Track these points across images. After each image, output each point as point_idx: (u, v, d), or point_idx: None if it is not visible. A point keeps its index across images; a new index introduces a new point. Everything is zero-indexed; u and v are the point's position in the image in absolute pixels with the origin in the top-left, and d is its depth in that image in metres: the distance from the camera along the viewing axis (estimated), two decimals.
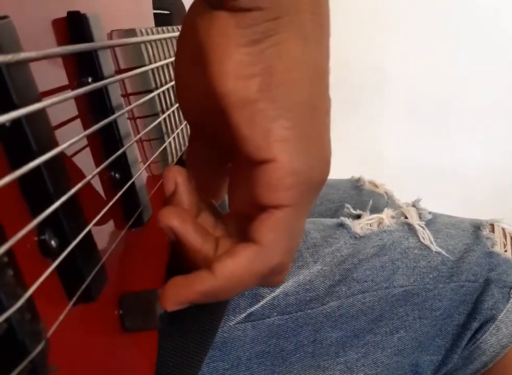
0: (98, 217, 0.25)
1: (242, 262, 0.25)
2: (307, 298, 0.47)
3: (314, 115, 0.25)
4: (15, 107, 0.19)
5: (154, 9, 0.50)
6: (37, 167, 0.20)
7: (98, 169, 0.25)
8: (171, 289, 0.26)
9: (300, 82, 0.24)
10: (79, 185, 0.23)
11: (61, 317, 0.21)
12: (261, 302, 0.46)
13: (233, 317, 0.45)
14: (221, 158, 0.32)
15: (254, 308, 0.45)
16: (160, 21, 0.54)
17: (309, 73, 0.25)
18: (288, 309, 0.47)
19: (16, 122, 0.19)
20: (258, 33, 0.23)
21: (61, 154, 0.22)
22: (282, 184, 0.24)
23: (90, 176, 0.24)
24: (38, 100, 0.20)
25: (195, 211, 0.29)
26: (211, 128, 0.29)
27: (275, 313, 0.46)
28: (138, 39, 0.35)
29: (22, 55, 0.19)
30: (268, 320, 0.46)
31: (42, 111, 0.21)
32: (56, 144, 0.21)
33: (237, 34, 0.23)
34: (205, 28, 0.24)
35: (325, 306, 0.48)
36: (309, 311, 0.47)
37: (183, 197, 0.28)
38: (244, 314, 0.45)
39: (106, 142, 0.30)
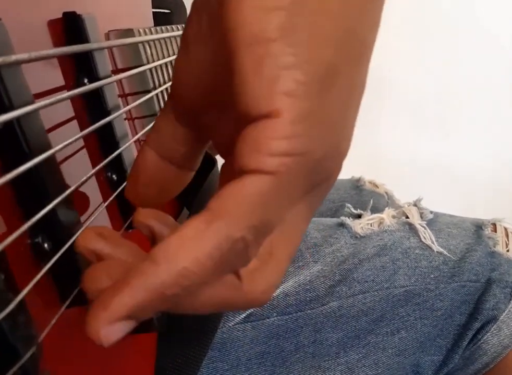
0: (92, 219, 0.25)
1: (188, 234, 0.17)
2: (308, 298, 0.47)
3: (336, 84, 0.20)
4: (6, 110, 0.19)
5: (153, 8, 0.50)
6: (30, 170, 0.20)
7: (93, 171, 0.25)
8: (97, 304, 0.17)
9: (328, 38, 0.19)
10: (72, 188, 0.22)
11: (54, 320, 0.21)
12: None
13: (232, 318, 0.45)
14: (194, 150, 0.26)
15: (253, 308, 0.45)
16: (160, 20, 0.54)
17: (343, 35, 0.20)
18: (288, 310, 0.47)
19: (8, 124, 0.19)
20: None
21: (55, 156, 0.22)
22: (270, 145, 0.18)
23: (84, 178, 0.24)
24: (30, 102, 0.20)
25: None
26: (203, 111, 0.24)
27: (274, 313, 0.46)
28: (134, 39, 0.35)
29: (13, 58, 0.19)
30: (268, 320, 0.46)
31: (34, 114, 0.21)
32: (49, 146, 0.21)
33: None
34: None
35: (325, 306, 0.48)
36: (309, 311, 0.47)
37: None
38: (244, 315, 0.45)
39: (102, 143, 0.30)
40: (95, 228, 0.21)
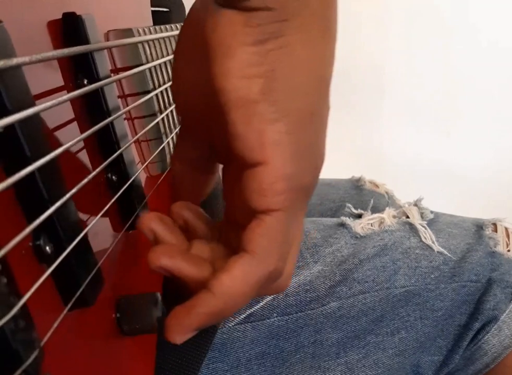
0: (94, 221, 0.25)
1: (237, 274, 0.24)
2: (308, 298, 0.47)
3: (311, 122, 0.25)
4: (8, 113, 0.19)
5: (152, 7, 0.50)
6: (32, 173, 0.20)
7: (94, 173, 0.25)
8: (173, 320, 0.24)
9: (301, 88, 0.24)
10: (74, 190, 0.22)
11: (56, 323, 0.21)
12: (261, 303, 0.46)
13: (232, 318, 0.45)
14: (209, 159, 0.32)
15: (253, 309, 0.45)
16: (159, 18, 0.54)
17: (312, 80, 0.24)
18: (288, 310, 0.46)
19: (9, 127, 0.19)
20: (266, 33, 0.23)
21: (56, 159, 0.22)
22: (273, 188, 0.24)
23: (85, 180, 0.24)
24: (31, 105, 0.20)
25: (185, 243, 0.28)
26: (205, 126, 0.29)
27: (274, 314, 0.46)
28: (134, 39, 0.35)
29: (14, 61, 0.19)
30: (268, 320, 0.46)
31: (35, 116, 0.21)
32: (50, 149, 0.21)
33: (244, 32, 0.23)
34: (212, 24, 0.23)
35: (325, 307, 0.48)
36: (309, 311, 0.47)
37: (166, 239, 0.28)
38: (244, 315, 0.45)
39: (102, 144, 0.30)
40: (157, 213, 0.27)
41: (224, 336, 0.44)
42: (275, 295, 0.46)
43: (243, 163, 0.24)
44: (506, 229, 0.55)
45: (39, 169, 0.20)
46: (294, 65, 0.24)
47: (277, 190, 0.24)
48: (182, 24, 0.46)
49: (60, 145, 0.22)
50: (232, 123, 0.23)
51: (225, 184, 0.30)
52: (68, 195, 0.22)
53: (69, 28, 0.28)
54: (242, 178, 0.24)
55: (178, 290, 0.27)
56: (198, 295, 0.24)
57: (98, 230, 0.28)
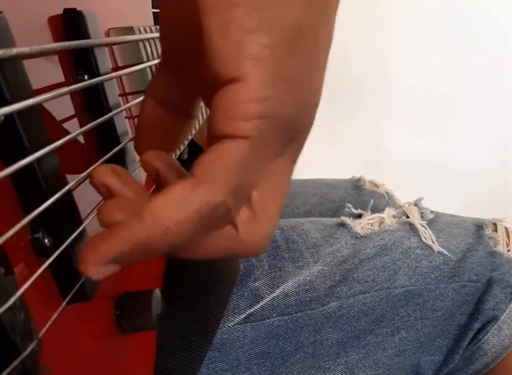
0: (93, 217, 0.25)
1: (174, 197, 0.19)
2: (308, 298, 0.47)
3: (301, 40, 0.21)
4: (7, 103, 0.19)
5: (153, 8, 0.50)
6: (30, 165, 0.20)
7: (93, 166, 0.25)
8: (89, 247, 0.19)
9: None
10: (72, 183, 0.22)
11: (54, 316, 0.20)
12: (261, 303, 0.45)
13: (232, 318, 0.44)
14: (188, 97, 0.28)
15: (253, 309, 0.45)
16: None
17: None
18: (288, 310, 0.46)
19: (8, 118, 0.19)
20: None
21: (55, 151, 0.22)
22: (243, 109, 0.20)
23: (85, 173, 0.24)
24: (31, 96, 0.20)
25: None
26: (188, 56, 0.25)
27: (274, 314, 0.46)
28: (135, 37, 0.35)
29: (14, 51, 0.19)
30: (267, 320, 0.46)
31: (35, 108, 0.21)
32: (50, 141, 0.21)
33: None
34: None
35: (325, 307, 0.48)
36: (309, 311, 0.47)
37: (120, 192, 0.23)
38: (244, 315, 0.45)
39: (102, 140, 0.30)
40: (110, 165, 0.23)
41: (224, 336, 0.44)
42: (274, 295, 0.46)
43: (218, 83, 0.20)
44: (506, 229, 0.55)
45: (38, 160, 0.20)
46: None
47: (248, 113, 0.20)
48: None
49: (60, 138, 0.22)
50: (207, 33, 0.20)
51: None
52: (66, 187, 0.22)
53: (70, 24, 0.28)
54: (213, 102, 0.20)
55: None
56: (126, 220, 0.20)
57: (96, 225, 0.28)
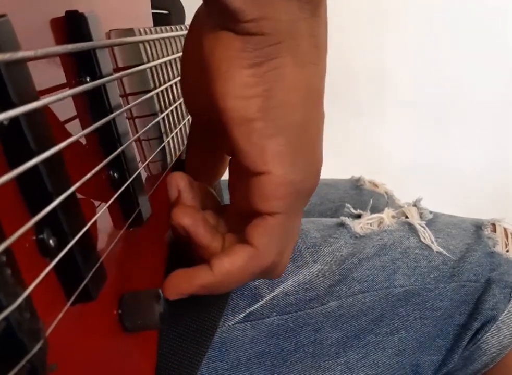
0: (96, 216, 0.25)
1: (238, 262, 0.27)
2: (307, 297, 0.47)
3: (307, 132, 0.27)
4: (13, 106, 0.19)
5: (152, 9, 0.50)
6: (36, 166, 0.20)
7: (97, 168, 0.25)
8: (173, 281, 0.29)
9: (295, 104, 0.26)
10: (77, 184, 0.22)
11: (59, 316, 0.21)
12: (260, 302, 0.46)
13: (232, 317, 0.45)
14: (219, 147, 0.34)
15: (253, 308, 0.45)
16: (159, 20, 0.54)
17: (305, 96, 0.26)
18: (288, 309, 0.47)
19: (14, 120, 0.19)
20: (261, 56, 0.25)
21: (60, 152, 0.22)
22: (275, 194, 0.26)
23: (89, 175, 0.24)
24: (36, 99, 0.20)
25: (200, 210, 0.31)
26: (213, 126, 0.31)
27: (274, 313, 0.46)
28: (136, 38, 0.35)
29: (20, 54, 0.19)
30: (267, 319, 0.46)
31: (40, 110, 0.21)
32: (54, 143, 0.21)
33: (241, 56, 0.24)
34: (210, 46, 0.25)
35: (325, 306, 0.48)
36: (309, 311, 0.47)
37: (187, 201, 0.31)
38: (244, 314, 0.45)
39: (104, 141, 0.30)
40: (189, 177, 0.32)
41: (224, 335, 0.44)
42: (274, 295, 0.46)
43: (247, 172, 0.27)
44: (505, 229, 0.56)
45: (43, 162, 0.20)
46: (288, 83, 0.26)
47: (279, 196, 0.26)
48: (182, 26, 0.47)
49: (63, 140, 0.23)
50: (234, 139, 0.26)
51: (231, 174, 0.32)
52: (72, 189, 0.22)
53: (72, 26, 0.28)
54: (247, 182, 0.27)
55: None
56: (200, 268, 0.28)
57: (100, 226, 0.28)
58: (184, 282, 0.28)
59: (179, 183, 0.31)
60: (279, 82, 0.25)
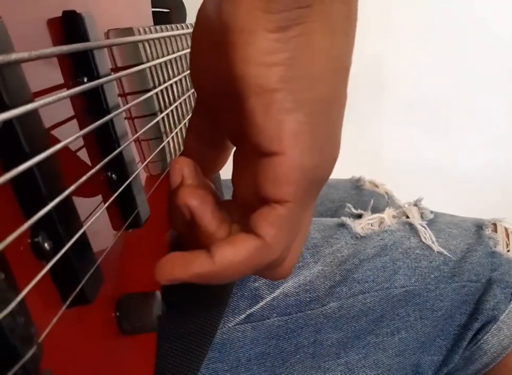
0: (92, 219, 0.25)
1: (242, 253, 0.24)
2: (308, 298, 0.47)
3: (330, 112, 0.24)
4: (6, 108, 0.19)
5: (153, 7, 0.50)
6: (30, 169, 0.20)
7: (93, 170, 0.25)
8: (167, 265, 0.25)
9: (321, 77, 0.23)
10: (72, 187, 0.22)
11: (54, 320, 0.20)
12: (261, 303, 0.46)
13: (232, 319, 0.45)
14: (223, 136, 0.31)
15: (253, 309, 0.45)
16: (159, 19, 0.54)
17: (332, 69, 0.24)
18: (288, 310, 0.46)
19: (7, 123, 0.19)
20: (288, 19, 0.22)
21: (55, 155, 0.22)
22: (288, 178, 0.23)
23: (84, 177, 0.24)
24: (30, 101, 0.20)
25: None
26: (219, 107, 0.28)
27: (274, 314, 0.46)
28: (134, 38, 0.35)
29: (13, 56, 0.19)
30: (268, 321, 0.46)
31: (34, 112, 0.21)
32: (49, 145, 0.21)
33: (266, 18, 0.22)
34: (231, 9, 0.22)
35: (325, 307, 0.48)
36: (309, 312, 0.47)
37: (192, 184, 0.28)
38: (244, 315, 0.45)
39: (102, 142, 0.30)
40: (194, 163, 0.29)
41: (224, 336, 0.44)
42: (274, 296, 0.46)
43: (259, 151, 0.24)
44: (506, 229, 0.55)
45: (38, 165, 0.20)
46: (314, 53, 0.23)
47: (291, 181, 0.23)
48: (182, 25, 0.46)
49: (59, 142, 0.22)
50: (250, 111, 0.23)
51: (235, 164, 0.29)
52: (67, 191, 0.22)
53: (69, 27, 0.28)
54: (257, 165, 0.24)
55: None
56: (199, 253, 0.25)
57: (98, 228, 0.28)
58: (179, 267, 0.25)
59: (183, 168, 0.28)
60: (305, 50, 0.23)
